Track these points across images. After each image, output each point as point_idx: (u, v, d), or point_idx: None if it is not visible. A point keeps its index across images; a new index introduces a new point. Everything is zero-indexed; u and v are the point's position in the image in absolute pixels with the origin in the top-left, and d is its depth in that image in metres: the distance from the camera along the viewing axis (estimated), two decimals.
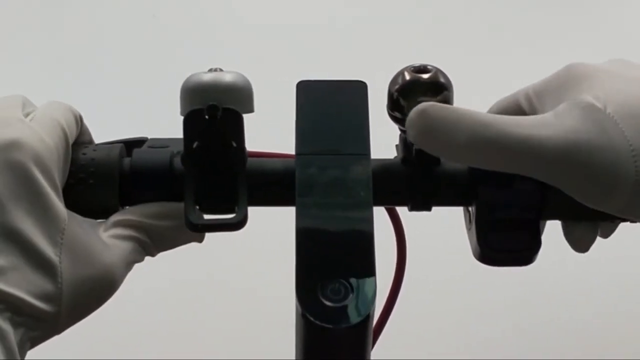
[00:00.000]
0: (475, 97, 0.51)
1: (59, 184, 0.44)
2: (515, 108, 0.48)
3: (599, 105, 0.41)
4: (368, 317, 0.40)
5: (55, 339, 0.44)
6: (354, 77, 0.49)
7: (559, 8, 1.50)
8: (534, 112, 0.46)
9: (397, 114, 0.46)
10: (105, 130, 0.54)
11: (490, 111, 0.49)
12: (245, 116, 0.46)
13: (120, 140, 0.50)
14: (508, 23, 1.50)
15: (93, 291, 0.44)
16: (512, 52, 1.44)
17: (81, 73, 1.42)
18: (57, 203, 0.43)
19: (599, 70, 0.44)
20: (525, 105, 0.47)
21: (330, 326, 0.40)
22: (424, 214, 0.49)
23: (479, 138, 0.41)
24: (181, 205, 0.45)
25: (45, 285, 0.41)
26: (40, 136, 0.43)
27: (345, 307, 0.40)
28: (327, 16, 1.50)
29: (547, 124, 0.41)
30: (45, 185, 0.42)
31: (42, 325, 0.42)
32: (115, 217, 0.46)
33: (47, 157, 0.43)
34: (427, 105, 0.42)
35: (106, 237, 0.45)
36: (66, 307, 0.42)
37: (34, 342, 0.42)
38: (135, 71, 1.42)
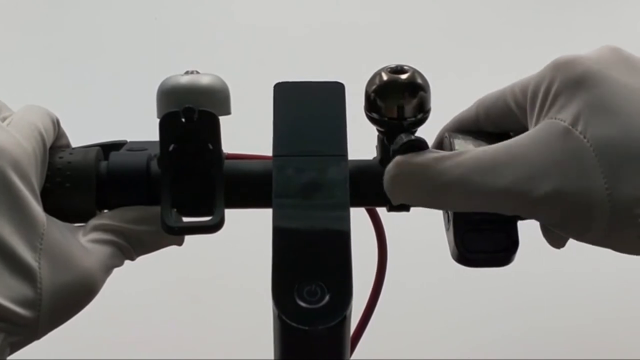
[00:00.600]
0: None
1: (37, 188, 0.44)
2: (502, 106, 0.47)
3: (576, 131, 0.40)
4: (345, 319, 0.40)
5: (50, 339, 0.44)
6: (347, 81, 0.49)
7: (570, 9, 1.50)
8: (522, 111, 0.46)
9: (375, 115, 0.46)
10: (105, 132, 0.54)
11: (476, 110, 0.49)
12: (226, 118, 0.46)
13: (97, 143, 0.50)
14: (509, 22, 1.50)
15: (72, 296, 0.43)
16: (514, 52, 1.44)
17: (81, 75, 1.42)
18: (36, 208, 0.43)
19: (588, 75, 0.42)
20: (513, 104, 0.46)
21: (307, 328, 0.40)
22: (404, 214, 0.49)
23: (457, 191, 0.42)
24: (159, 208, 0.45)
25: (24, 290, 0.41)
26: (17, 141, 0.43)
27: (322, 308, 0.40)
28: (328, 18, 1.50)
29: (519, 162, 0.41)
30: (24, 190, 0.42)
31: (22, 330, 0.42)
32: (93, 222, 0.46)
33: (25, 161, 0.43)
34: (398, 162, 0.43)
35: (85, 242, 0.45)
36: (45, 312, 0.42)
37: (14, 348, 0.42)
38: (136, 73, 1.42)
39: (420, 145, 0.44)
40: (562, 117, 0.42)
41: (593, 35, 1.45)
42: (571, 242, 0.46)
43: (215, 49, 1.44)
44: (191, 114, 0.45)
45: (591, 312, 1.23)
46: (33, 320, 0.42)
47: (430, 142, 0.51)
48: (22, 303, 0.41)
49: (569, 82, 0.42)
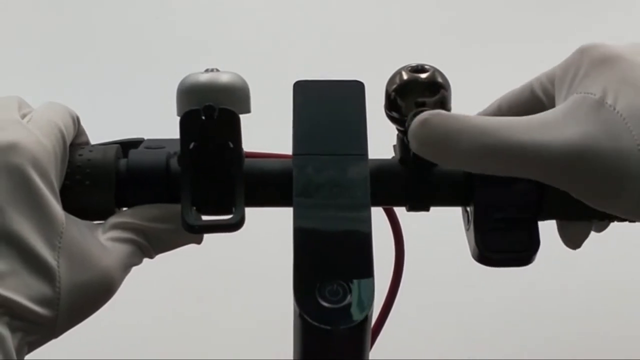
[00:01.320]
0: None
1: (57, 186, 0.44)
2: (528, 97, 0.47)
3: (607, 101, 0.40)
4: (366, 318, 0.40)
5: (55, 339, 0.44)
6: (362, 79, 0.49)
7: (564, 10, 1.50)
8: (550, 99, 0.45)
9: (395, 114, 0.46)
10: (106, 131, 0.54)
11: (498, 105, 0.48)
12: (246, 116, 0.46)
13: (116, 141, 0.50)
14: (510, 22, 1.50)
15: (91, 295, 0.43)
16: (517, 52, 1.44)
17: (82, 74, 1.42)
18: (55, 206, 0.43)
19: (614, 55, 0.42)
20: (540, 93, 0.46)
21: (328, 327, 0.40)
22: (422, 214, 0.49)
23: (481, 146, 0.40)
24: (179, 207, 0.45)
25: (43, 289, 0.41)
26: (37, 138, 0.43)
27: (344, 308, 0.40)
28: (330, 17, 1.50)
29: (552, 126, 0.40)
30: (43, 188, 0.42)
31: (40, 329, 0.41)
32: (113, 220, 0.46)
33: (44, 159, 0.43)
34: (428, 114, 0.41)
35: (104, 240, 0.45)
36: (64, 311, 0.42)
37: (32, 346, 0.42)
38: (137, 72, 1.42)
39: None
40: (592, 91, 0.41)
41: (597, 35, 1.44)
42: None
43: (218, 47, 1.43)
44: (211, 112, 0.44)
45: (592, 312, 1.23)
46: (51, 319, 0.41)
47: None
48: (40, 302, 0.41)
49: (595, 61, 0.42)
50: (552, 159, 0.39)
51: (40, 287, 0.41)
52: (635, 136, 0.39)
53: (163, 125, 0.54)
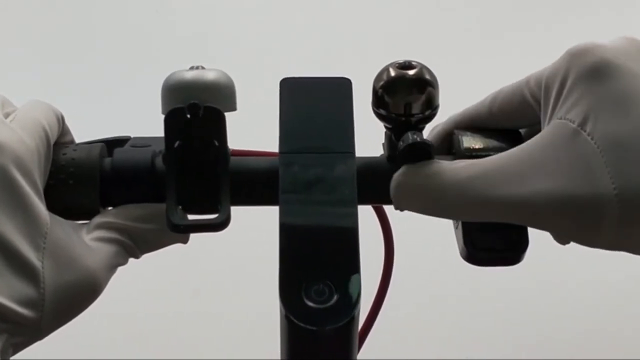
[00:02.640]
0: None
1: (41, 186, 0.43)
2: (519, 100, 0.46)
3: (586, 129, 0.40)
4: (353, 319, 0.40)
5: (51, 340, 0.43)
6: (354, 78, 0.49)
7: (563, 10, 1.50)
8: (538, 103, 0.44)
9: (382, 111, 0.46)
10: (105, 127, 0.54)
11: (489, 105, 0.48)
12: (233, 114, 0.46)
13: (102, 139, 0.49)
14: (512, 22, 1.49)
15: (76, 296, 0.43)
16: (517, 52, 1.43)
17: (81, 68, 1.41)
18: (39, 206, 0.42)
19: (603, 64, 0.41)
20: (530, 99, 0.45)
21: (314, 328, 0.39)
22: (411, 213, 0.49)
23: (461, 202, 0.42)
24: (164, 206, 0.45)
25: (27, 290, 0.41)
26: (21, 138, 0.42)
27: (330, 308, 0.40)
28: (330, 16, 1.49)
29: (529, 175, 0.40)
30: (27, 188, 0.42)
31: (25, 330, 0.41)
32: (97, 220, 0.45)
33: (28, 159, 0.42)
34: (404, 172, 0.43)
35: (89, 240, 0.44)
36: (49, 312, 0.41)
37: (17, 348, 0.41)
38: (136, 67, 1.41)
39: (424, 147, 0.43)
40: (571, 116, 0.41)
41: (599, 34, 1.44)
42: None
43: (218, 44, 1.43)
44: (196, 110, 0.44)
45: (593, 311, 1.23)
46: (36, 320, 0.41)
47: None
48: (25, 303, 0.40)
49: (582, 74, 0.41)
50: (529, 212, 0.40)
51: (24, 289, 0.40)
52: (610, 173, 0.39)
53: (159, 123, 0.54)
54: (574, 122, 0.40)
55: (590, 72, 0.41)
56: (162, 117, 0.45)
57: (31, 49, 1.45)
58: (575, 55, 0.42)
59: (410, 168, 0.43)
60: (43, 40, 1.45)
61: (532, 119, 0.46)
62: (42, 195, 0.43)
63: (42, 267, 0.41)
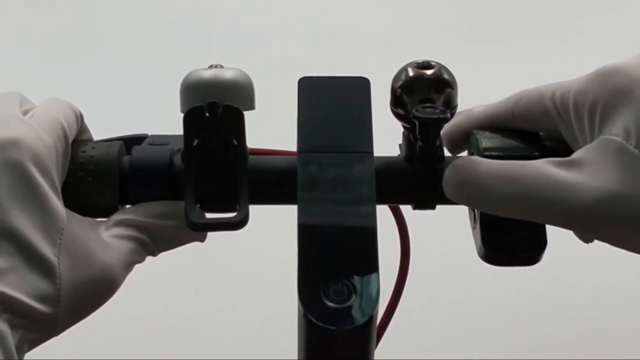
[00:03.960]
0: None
1: (58, 183, 0.43)
2: (542, 108, 0.46)
3: (630, 146, 0.40)
4: (371, 318, 0.40)
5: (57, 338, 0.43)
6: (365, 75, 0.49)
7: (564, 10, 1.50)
8: (560, 117, 0.45)
9: (401, 111, 0.46)
10: (107, 126, 0.54)
11: (512, 107, 0.48)
12: (252, 113, 0.46)
13: (119, 137, 0.49)
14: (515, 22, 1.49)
15: (92, 292, 0.43)
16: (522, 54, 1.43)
17: (83, 67, 1.41)
18: (56, 203, 0.42)
19: (633, 84, 0.42)
20: (552, 108, 0.46)
21: (333, 328, 0.39)
22: (428, 212, 0.48)
23: (513, 195, 0.41)
24: (183, 204, 0.45)
25: (43, 286, 0.41)
26: (38, 135, 0.43)
27: (349, 308, 0.40)
28: (331, 15, 1.49)
29: (579, 179, 0.41)
30: (44, 185, 0.42)
31: (41, 326, 0.41)
32: (116, 217, 0.45)
33: (45, 156, 0.42)
34: (462, 161, 0.42)
35: (107, 237, 0.44)
36: (64, 308, 0.41)
37: (32, 344, 0.41)
38: (138, 65, 1.41)
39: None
40: (615, 132, 0.41)
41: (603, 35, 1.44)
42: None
43: (220, 42, 1.43)
44: (215, 109, 0.44)
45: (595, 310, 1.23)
46: (52, 316, 0.41)
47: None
48: (41, 298, 0.40)
49: (615, 94, 0.42)
50: (581, 212, 0.40)
51: (40, 284, 0.40)
52: None
53: (168, 120, 0.54)
54: (617, 137, 0.41)
55: (622, 91, 0.42)
56: (163, 115, 0.45)
57: (30, 48, 1.45)
58: (602, 76, 0.43)
59: (468, 161, 0.43)
60: (43, 40, 1.45)
61: (551, 128, 0.46)
62: (59, 192, 0.43)
63: (59, 263, 0.41)
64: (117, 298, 0.45)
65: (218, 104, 0.44)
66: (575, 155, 0.42)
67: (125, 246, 0.45)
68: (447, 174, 0.42)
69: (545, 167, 0.41)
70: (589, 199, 0.40)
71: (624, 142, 0.41)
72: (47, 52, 1.45)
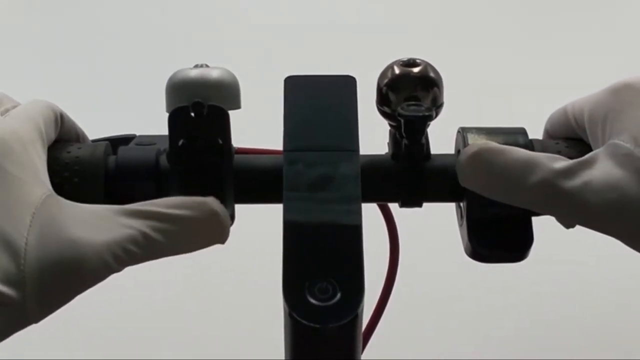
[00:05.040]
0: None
1: (35, 170, 0.42)
2: (564, 119, 0.49)
3: (637, 152, 0.42)
4: (356, 317, 0.40)
5: (51, 336, 0.42)
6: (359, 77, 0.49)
7: (568, 6, 1.50)
8: (578, 125, 0.48)
9: (386, 109, 0.46)
10: (108, 127, 0.54)
11: (548, 122, 0.51)
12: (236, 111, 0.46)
13: (106, 137, 0.49)
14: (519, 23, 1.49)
15: (62, 273, 0.39)
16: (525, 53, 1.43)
17: (85, 68, 1.42)
18: (27, 185, 0.41)
19: None
20: (571, 117, 0.49)
21: (318, 326, 0.39)
22: (417, 210, 0.48)
23: (528, 185, 0.43)
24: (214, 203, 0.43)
25: (6, 266, 0.38)
26: (10, 128, 0.42)
27: (333, 305, 0.40)
28: (333, 15, 1.49)
29: (589, 179, 0.42)
30: (13, 172, 0.41)
31: (8, 311, 0.38)
32: (129, 205, 0.42)
33: (15, 146, 0.42)
34: (477, 147, 0.44)
35: (103, 222, 0.41)
36: (32, 289, 0.39)
37: (4, 332, 0.39)
38: (140, 67, 1.41)
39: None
40: (623, 139, 0.43)
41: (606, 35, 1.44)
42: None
43: (222, 43, 1.43)
44: (200, 109, 0.44)
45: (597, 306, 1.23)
46: (18, 298, 0.38)
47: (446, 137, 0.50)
48: (3, 280, 0.38)
49: (624, 107, 0.45)
50: (595, 217, 0.42)
51: (2, 264, 0.38)
52: None
53: (161, 123, 0.54)
54: (626, 143, 0.43)
55: (632, 104, 0.45)
56: (165, 116, 0.45)
57: (31, 49, 1.45)
58: (616, 91, 0.46)
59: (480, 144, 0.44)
60: (44, 41, 1.45)
61: (572, 134, 0.49)
62: (39, 179, 0.42)
63: (26, 243, 0.39)
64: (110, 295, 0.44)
65: (203, 104, 0.44)
66: (587, 155, 0.44)
67: (120, 232, 0.41)
68: (464, 160, 0.44)
69: (554, 163, 0.43)
70: (596, 203, 0.42)
71: (631, 148, 0.43)
72: (47, 54, 1.45)
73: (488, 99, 1.32)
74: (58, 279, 0.39)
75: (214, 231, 0.43)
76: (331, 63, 1.32)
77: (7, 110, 0.45)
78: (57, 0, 1.50)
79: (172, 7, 1.50)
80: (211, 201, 0.43)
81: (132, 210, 0.42)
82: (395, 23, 1.48)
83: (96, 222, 0.41)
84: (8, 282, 0.38)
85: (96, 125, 0.53)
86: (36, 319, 0.39)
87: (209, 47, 1.41)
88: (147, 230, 0.41)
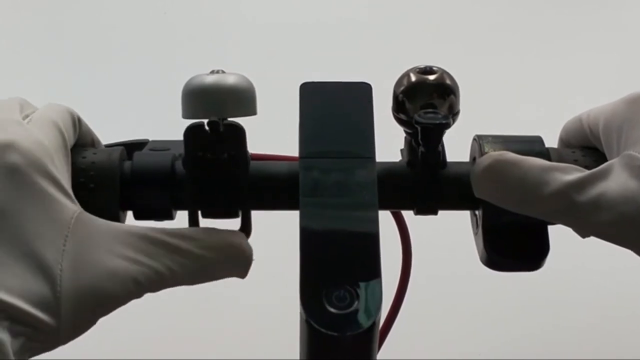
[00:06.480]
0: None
1: (65, 184, 0.42)
2: (579, 127, 0.50)
3: None
4: (374, 324, 0.40)
5: None
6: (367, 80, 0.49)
7: (572, 8, 1.50)
8: (592, 135, 0.48)
9: (403, 116, 0.46)
10: (113, 129, 0.53)
11: (563, 130, 0.51)
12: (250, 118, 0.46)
13: (121, 142, 0.49)
14: (519, 22, 1.49)
15: (95, 301, 0.41)
16: (524, 52, 1.43)
17: (90, 70, 1.41)
18: (60, 204, 0.41)
19: None
20: (586, 127, 0.49)
21: (336, 334, 0.39)
22: (430, 217, 0.48)
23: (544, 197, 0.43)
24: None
25: (43, 293, 0.39)
26: (36, 137, 0.42)
27: (351, 314, 0.40)
28: (336, 15, 1.49)
29: (604, 191, 0.42)
30: (45, 187, 0.41)
31: (42, 334, 0.39)
32: (148, 230, 0.43)
33: (44, 158, 0.41)
34: (491, 159, 0.44)
35: (124, 247, 0.42)
36: (67, 316, 0.40)
37: (35, 352, 0.40)
38: (145, 69, 1.41)
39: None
40: (638, 150, 0.43)
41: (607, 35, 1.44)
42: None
43: (225, 44, 1.43)
44: (217, 127, 0.44)
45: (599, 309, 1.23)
46: (53, 324, 0.39)
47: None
48: (40, 306, 0.39)
49: (638, 118, 0.45)
50: (603, 228, 0.42)
51: (40, 291, 0.39)
52: None
53: (163, 126, 0.54)
54: (635, 159, 0.43)
55: None
56: (168, 119, 0.45)
57: (33, 50, 1.45)
58: (631, 102, 0.46)
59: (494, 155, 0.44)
60: (45, 42, 1.45)
61: (587, 143, 0.49)
62: (67, 192, 0.42)
63: (61, 270, 0.40)
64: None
65: (219, 123, 0.44)
66: (601, 166, 0.44)
67: (146, 263, 0.42)
68: (480, 171, 0.44)
69: (569, 174, 0.43)
70: (610, 222, 0.42)
71: None
72: (49, 55, 1.45)
73: (493, 105, 1.32)
74: (90, 307, 0.41)
75: (237, 269, 0.44)
76: (338, 63, 1.33)
77: (27, 116, 0.44)
78: (57, 1, 1.50)
79: (174, 7, 1.50)
80: (238, 242, 0.44)
81: (159, 240, 0.42)
82: (396, 24, 1.48)
83: (123, 251, 0.42)
84: (44, 308, 0.39)
85: (99, 128, 0.53)
86: (66, 342, 0.41)
87: (210, 47, 1.41)
88: (172, 265, 0.42)
